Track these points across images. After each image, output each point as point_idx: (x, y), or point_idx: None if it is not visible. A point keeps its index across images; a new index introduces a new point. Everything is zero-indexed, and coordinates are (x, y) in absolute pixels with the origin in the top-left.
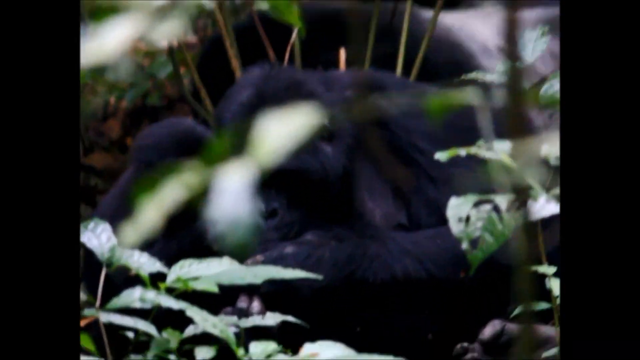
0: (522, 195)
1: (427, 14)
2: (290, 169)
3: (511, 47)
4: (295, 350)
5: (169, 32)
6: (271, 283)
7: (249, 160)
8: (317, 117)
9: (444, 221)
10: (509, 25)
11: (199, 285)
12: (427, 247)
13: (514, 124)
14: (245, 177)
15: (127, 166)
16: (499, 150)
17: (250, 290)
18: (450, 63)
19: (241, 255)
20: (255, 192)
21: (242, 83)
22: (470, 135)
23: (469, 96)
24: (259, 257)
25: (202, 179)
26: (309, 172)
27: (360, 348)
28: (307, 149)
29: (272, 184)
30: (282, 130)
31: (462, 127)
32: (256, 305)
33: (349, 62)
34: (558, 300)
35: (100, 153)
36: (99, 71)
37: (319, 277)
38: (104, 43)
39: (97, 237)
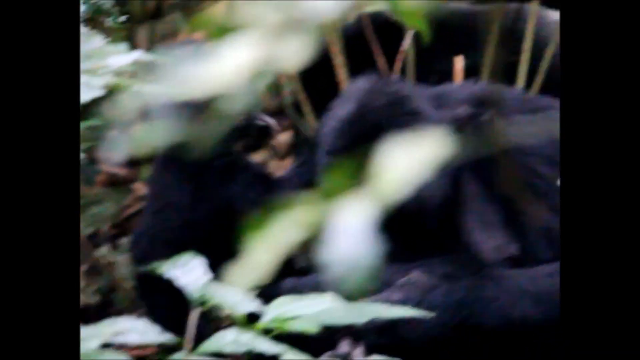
0: None
1: (555, 16)
2: (408, 207)
3: None
4: None
5: (296, 53)
6: (378, 333)
7: (370, 193)
8: (445, 145)
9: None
10: None
11: (297, 326)
12: (546, 287)
13: None
14: (366, 212)
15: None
16: None
17: (355, 335)
18: None
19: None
20: (377, 230)
21: (344, 97)
22: None
23: None
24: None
25: (318, 216)
26: (424, 206)
27: None
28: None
29: (389, 224)
30: (408, 160)
31: None
32: (359, 351)
33: (466, 71)
34: None
35: None
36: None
37: (431, 314)
38: (221, 67)
39: (188, 273)
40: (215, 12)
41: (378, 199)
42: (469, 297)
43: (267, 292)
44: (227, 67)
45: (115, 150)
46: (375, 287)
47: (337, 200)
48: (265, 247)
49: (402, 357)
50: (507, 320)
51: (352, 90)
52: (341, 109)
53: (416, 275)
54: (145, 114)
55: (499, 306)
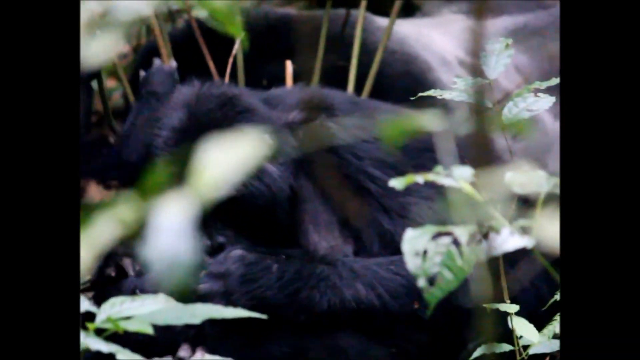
0: (484, 227)
1: (382, 22)
2: (236, 196)
3: (475, 62)
4: None
5: (103, 49)
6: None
7: (189, 191)
8: (262, 143)
9: (397, 254)
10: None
11: (131, 326)
12: (379, 274)
13: (477, 149)
14: (185, 211)
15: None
16: (459, 177)
17: (195, 337)
18: (405, 76)
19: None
20: (197, 227)
21: (172, 104)
22: (426, 160)
23: (429, 120)
24: (204, 272)
25: (138, 214)
26: (255, 197)
27: None
28: (252, 172)
29: (216, 214)
30: (225, 159)
31: (417, 151)
32: (199, 355)
33: (296, 75)
34: (521, 342)
35: None
36: None
37: (263, 316)
38: None
39: None
40: None
41: (197, 197)
42: (304, 272)
43: (109, 291)
44: None
45: None
46: (197, 282)
47: (157, 199)
48: (84, 244)
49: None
50: (339, 299)
51: (179, 97)
52: (171, 118)
53: (238, 251)
54: None
55: (332, 285)
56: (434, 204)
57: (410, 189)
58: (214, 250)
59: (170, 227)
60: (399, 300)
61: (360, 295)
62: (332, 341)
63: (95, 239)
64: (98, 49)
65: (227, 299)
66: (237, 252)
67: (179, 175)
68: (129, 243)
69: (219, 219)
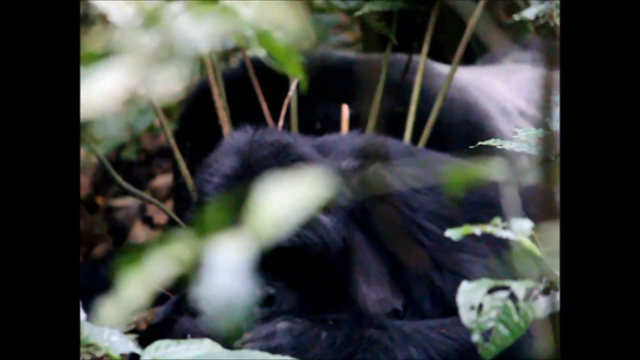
0: (544, 283)
1: (441, 68)
2: (288, 247)
3: (537, 113)
4: None
5: (168, 82)
6: None
7: (246, 232)
8: (321, 187)
9: (449, 312)
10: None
11: None
12: (431, 336)
13: (540, 201)
14: (241, 252)
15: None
16: (518, 231)
17: None
18: (464, 125)
19: (233, 338)
20: (252, 270)
21: (224, 150)
22: (483, 215)
23: (492, 170)
24: (247, 335)
25: (193, 252)
26: (308, 248)
27: None
28: (305, 222)
29: (267, 265)
30: (283, 201)
31: (474, 205)
32: None
33: (352, 120)
34: None
35: None
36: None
37: None
38: (94, 92)
39: None
40: (91, 38)
41: (254, 238)
42: (354, 336)
43: (161, 331)
44: (100, 91)
45: None
46: (250, 325)
47: (212, 238)
48: (138, 281)
49: None
50: None
51: (232, 143)
52: (223, 165)
53: (284, 324)
54: None
55: (383, 348)
56: (488, 261)
57: (465, 245)
58: (263, 302)
59: (226, 267)
60: None
61: (413, 358)
62: None
63: (149, 275)
64: (162, 81)
65: None
66: (284, 324)
67: (234, 216)
68: (183, 282)
69: (270, 270)
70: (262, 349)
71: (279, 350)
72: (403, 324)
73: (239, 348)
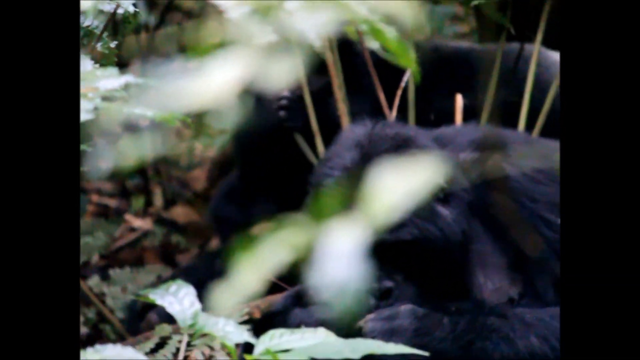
0: None
1: (556, 56)
2: (408, 239)
3: None
4: None
5: (285, 72)
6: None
7: (361, 217)
8: (435, 173)
9: None
10: None
11: (289, 359)
12: (552, 325)
13: None
14: (354, 237)
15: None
16: None
17: None
18: None
19: (346, 323)
20: (365, 256)
21: (344, 144)
22: None
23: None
24: (370, 315)
25: (308, 238)
26: (427, 241)
27: None
28: (425, 214)
29: (385, 258)
30: (396, 186)
31: None
32: None
33: (466, 110)
34: None
35: (183, 206)
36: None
37: (425, 354)
38: (210, 84)
39: (179, 301)
40: (206, 31)
41: (369, 223)
42: (476, 323)
43: (275, 322)
44: (216, 83)
45: (101, 161)
46: (364, 310)
47: (326, 223)
48: (253, 267)
49: None
50: (513, 351)
51: (351, 136)
52: (343, 158)
53: (408, 306)
54: (131, 128)
55: (505, 336)
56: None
57: None
58: (381, 295)
59: (339, 253)
60: None
61: (534, 347)
62: None
63: (264, 262)
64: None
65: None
66: (407, 306)
67: (349, 203)
68: (300, 273)
69: (389, 263)
70: (382, 329)
71: (400, 331)
72: (525, 312)
73: (359, 330)
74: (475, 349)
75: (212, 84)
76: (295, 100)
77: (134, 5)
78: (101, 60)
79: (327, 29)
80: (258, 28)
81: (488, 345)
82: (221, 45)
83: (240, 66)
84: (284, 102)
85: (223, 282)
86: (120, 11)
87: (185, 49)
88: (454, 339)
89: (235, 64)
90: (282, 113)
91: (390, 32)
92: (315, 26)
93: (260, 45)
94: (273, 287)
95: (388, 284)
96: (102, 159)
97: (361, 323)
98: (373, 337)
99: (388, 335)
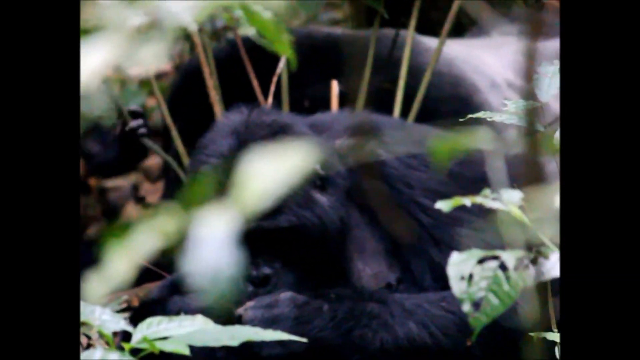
0: (532, 253)
1: (430, 42)
2: (286, 226)
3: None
4: None
5: (150, 58)
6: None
7: (232, 204)
8: (308, 158)
9: (449, 287)
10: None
11: (167, 347)
12: (431, 311)
13: (528, 173)
14: (227, 223)
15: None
16: (508, 201)
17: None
18: (453, 99)
19: (222, 310)
20: (239, 242)
21: (219, 131)
22: (478, 189)
23: (479, 140)
24: (249, 303)
25: (180, 225)
26: (305, 228)
27: None
28: (302, 201)
29: (264, 245)
30: (270, 172)
31: (470, 181)
32: None
33: (341, 96)
34: None
35: None
36: None
37: (303, 340)
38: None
39: None
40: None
41: (241, 209)
42: (356, 310)
43: (154, 310)
44: (83, 69)
45: None
46: (240, 297)
47: (199, 211)
48: (124, 255)
49: None
50: (392, 337)
51: (227, 123)
52: (219, 145)
53: (287, 294)
54: None
55: (384, 323)
56: (487, 236)
57: (462, 220)
58: (259, 282)
59: (211, 239)
60: (452, 338)
61: (413, 333)
62: None
63: (135, 250)
64: (144, 57)
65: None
66: (287, 294)
67: (225, 188)
68: (176, 261)
69: (266, 250)
70: (262, 318)
71: (279, 320)
72: (404, 298)
73: (239, 318)
74: (355, 337)
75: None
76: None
77: None
78: None
79: (200, 12)
80: (129, 10)
81: (367, 332)
82: (91, 28)
83: (107, 51)
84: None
85: (96, 270)
86: None
87: None
88: (334, 326)
89: (104, 48)
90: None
91: (266, 15)
92: (190, 9)
93: (131, 29)
94: (153, 275)
95: (266, 271)
96: None
97: (240, 311)
98: (253, 326)
99: (268, 323)
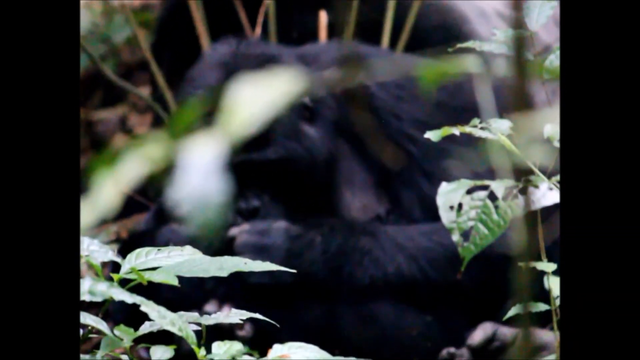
0: (521, 181)
1: None
2: (274, 159)
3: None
4: (263, 353)
5: None
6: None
7: (220, 131)
8: (295, 86)
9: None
10: None
11: (156, 277)
12: (422, 244)
13: (516, 100)
14: (214, 150)
15: None
16: (497, 130)
17: (224, 296)
18: (440, 29)
19: (210, 236)
20: (227, 168)
21: (207, 63)
22: (466, 118)
23: (466, 65)
24: (245, 226)
25: (167, 152)
26: (294, 160)
27: (341, 345)
28: (291, 133)
29: (253, 178)
30: (257, 98)
31: (460, 112)
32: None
33: (330, 27)
34: (557, 302)
35: None
36: None
37: (292, 271)
38: None
39: None
40: None
41: (227, 135)
42: (347, 246)
43: (143, 241)
44: None
45: None
46: (224, 223)
47: (186, 138)
48: (112, 183)
49: (277, 295)
50: (381, 274)
51: (215, 55)
52: (206, 77)
53: (282, 223)
54: None
55: (374, 259)
56: (477, 167)
57: (452, 153)
58: (248, 214)
59: (199, 165)
60: (441, 272)
61: (402, 269)
62: (365, 308)
63: (123, 177)
64: None
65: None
66: (281, 223)
67: (210, 117)
68: (157, 183)
69: (255, 182)
70: (254, 246)
71: (271, 250)
72: (395, 231)
73: (230, 243)
74: (345, 273)
75: None
76: None
77: None
78: None
79: None
80: None
81: (358, 269)
82: None
83: None
84: None
85: (84, 199)
86: None
87: None
88: (325, 261)
89: None
90: None
91: None
92: None
93: None
94: (141, 207)
95: (255, 203)
96: None
97: (235, 232)
98: (243, 253)
99: (259, 252)
